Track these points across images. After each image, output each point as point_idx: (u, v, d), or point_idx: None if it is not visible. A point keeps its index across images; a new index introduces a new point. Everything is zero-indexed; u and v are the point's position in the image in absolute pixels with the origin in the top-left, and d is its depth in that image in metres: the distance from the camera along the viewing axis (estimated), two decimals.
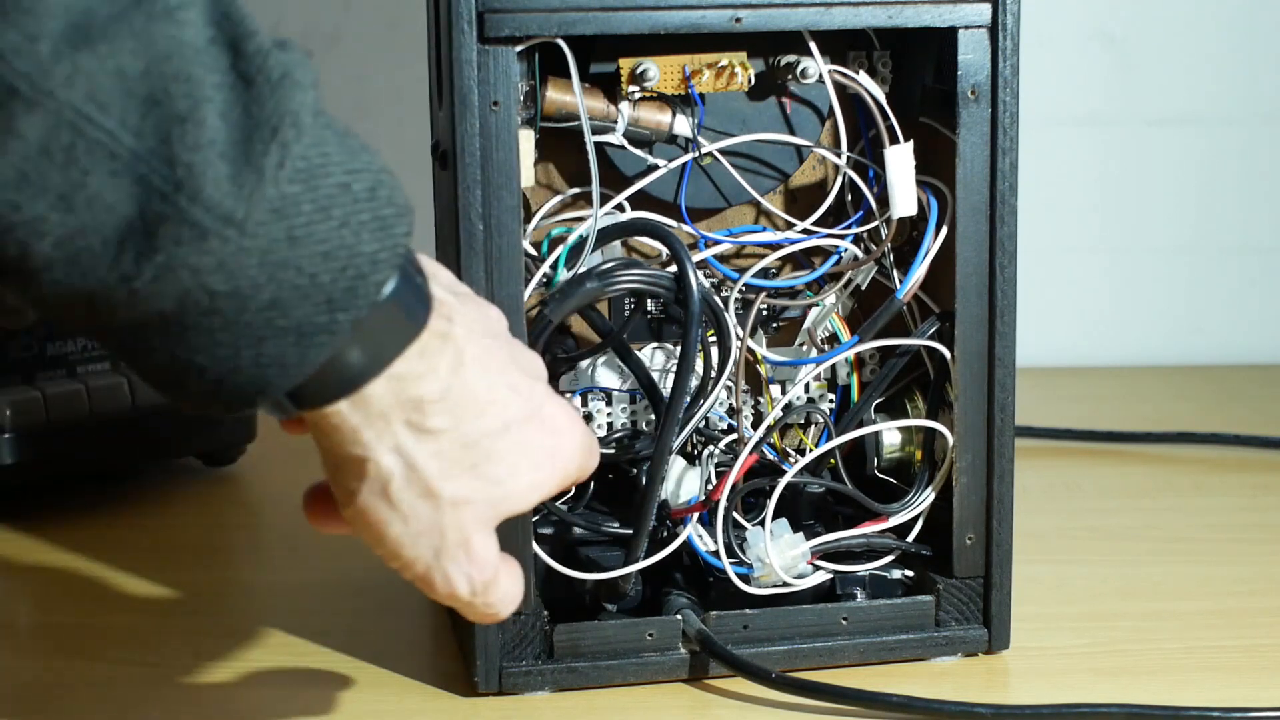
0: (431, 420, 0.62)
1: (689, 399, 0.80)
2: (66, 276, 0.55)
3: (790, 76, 0.80)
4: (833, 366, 0.86)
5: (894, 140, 0.80)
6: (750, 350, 0.83)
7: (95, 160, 0.53)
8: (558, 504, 0.83)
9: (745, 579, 0.81)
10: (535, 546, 0.79)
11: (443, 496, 0.63)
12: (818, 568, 0.83)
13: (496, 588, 0.66)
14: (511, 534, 0.78)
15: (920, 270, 0.81)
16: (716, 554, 0.81)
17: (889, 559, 0.84)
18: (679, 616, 0.80)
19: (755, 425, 0.84)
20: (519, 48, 0.74)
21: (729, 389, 0.83)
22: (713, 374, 0.81)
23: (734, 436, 0.83)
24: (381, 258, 0.58)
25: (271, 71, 0.56)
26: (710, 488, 0.82)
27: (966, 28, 0.78)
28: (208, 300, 0.55)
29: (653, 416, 0.84)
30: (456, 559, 0.64)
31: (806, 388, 0.86)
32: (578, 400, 0.85)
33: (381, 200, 0.58)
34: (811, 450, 0.84)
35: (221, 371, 0.57)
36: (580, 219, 0.80)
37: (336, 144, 0.57)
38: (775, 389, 0.85)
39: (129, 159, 0.54)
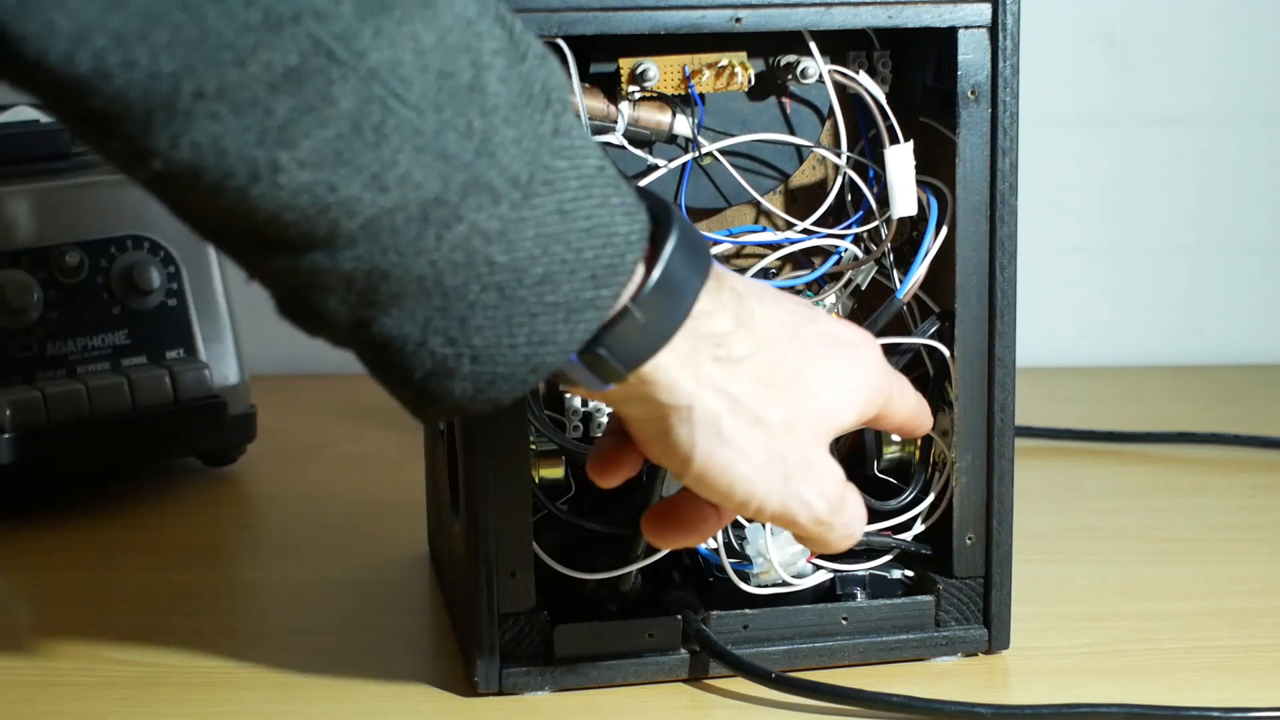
0: (735, 349, 0.64)
1: None
2: (367, 253, 0.56)
3: (790, 76, 0.80)
4: None
5: (894, 140, 0.80)
6: None
7: (403, 137, 0.54)
8: (558, 504, 0.83)
9: (745, 577, 0.81)
10: (535, 546, 0.79)
11: (771, 420, 0.64)
12: (818, 567, 0.83)
13: (846, 506, 0.68)
14: (512, 534, 0.78)
15: (920, 270, 0.81)
16: (716, 552, 0.81)
17: (888, 558, 0.84)
18: (679, 616, 0.80)
19: None
20: None
21: None
22: None
23: None
24: (634, 239, 0.60)
25: (533, 47, 0.58)
26: None
27: (966, 28, 0.78)
28: (488, 272, 0.57)
29: None
30: (806, 479, 0.66)
31: None
32: (578, 400, 0.85)
33: (625, 189, 0.60)
34: None
35: (495, 353, 0.58)
36: None
37: (582, 130, 0.59)
38: None
39: (433, 134, 0.54)
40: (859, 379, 0.68)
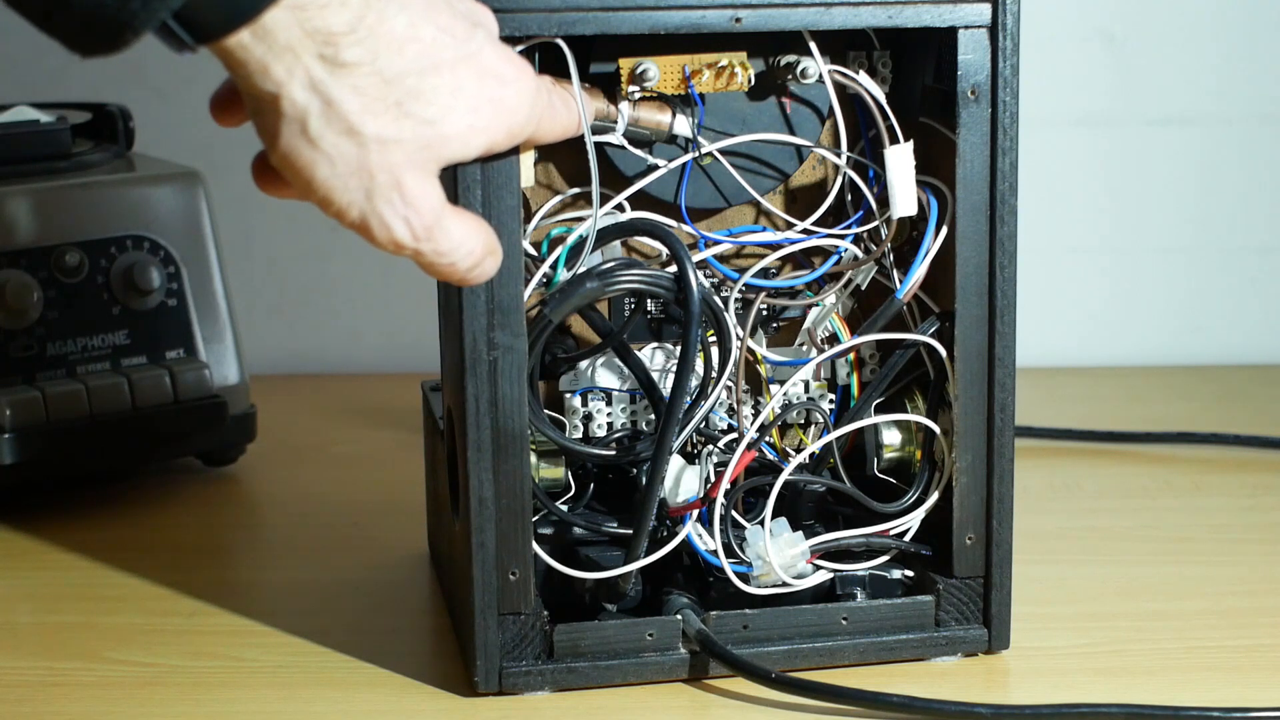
0: (345, 53, 0.62)
1: (689, 399, 0.80)
2: None
3: (790, 76, 0.80)
4: (833, 366, 0.86)
5: (894, 140, 0.80)
6: (750, 350, 0.83)
7: None
8: (558, 504, 0.83)
9: (745, 578, 0.81)
10: (535, 546, 0.79)
11: (366, 134, 0.63)
12: (818, 567, 0.83)
13: (444, 235, 0.66)
14: (512, 534, 0.78)
15: (920, 270, 0.81)
16: (716, 553, 0.81)
17: (888, 558, 0.84)
18: (679, 616, 0.80)
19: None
20: (519, 48, 0.74)
21: (729, 389, 0.83)
22: (713, 374, 0.81)
23: (734, 436, 0.83)
24: None
25: None
26: (709, 486, 0.82)
27: (966, 28, 0.78)
28: None
29: (653, 416, 0.84)
30: (390, 201, 0.64)
31: (806, 387, 0.86)
32: (578, 400, 0.85)
33: None
34: (807, 445, 0.84)
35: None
36: (580, 219, 0.80)
37: None
38: (775, 388, 0.85)
39: None
40: (490, 117, 0.66)
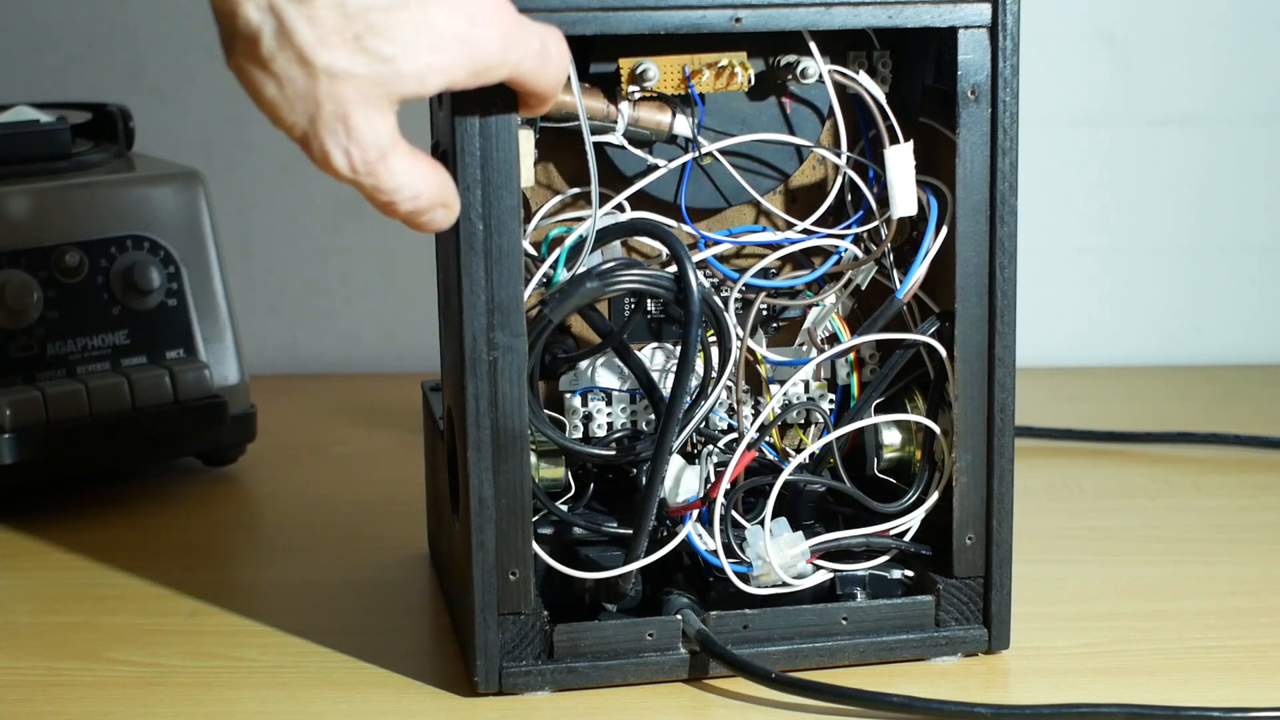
0: None
1: (689, 399, 0.80)
2: None
3: (790, 76, 0.80)
4: (833, 366, 0.86)
5: (894, 140, 0.80)
6: (750, 350, 0.83)
7: None
8: (558, 504, 0.83)
9: (745, 578, 0.81)
10: (535, 546, 0.79)
11: (316, 65, 0.62)
12: (818, 567, 0.83)
13: (388, 173, 0.65)
14: (512, 534, 0.78)
15: (920, 270, 0.81)
16: (716, 553, 0.81)
17: (888, 558, 0.84)
18: (679, 616, 0.80)
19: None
20: None
21: (729, 389, 0.83)
22: (713, 374, 0.81)
23: (733, 436, 0.83)
24: None
25: None
26: (709, 486, 0.82)
27: (966, 28, 0.78)
28: None
29: (653, 416, 0.84)
30: (334, 131, 0.64)
31: (806, 387, 0.86)
32: (578, 400, 0.85)
33: None
34: (807, 445, 0.84)
35: None
36: (580, 219, 0.80)
37: None
38: (775, 388, 0.85)
39: None
40: (454, 55, 0.65)
